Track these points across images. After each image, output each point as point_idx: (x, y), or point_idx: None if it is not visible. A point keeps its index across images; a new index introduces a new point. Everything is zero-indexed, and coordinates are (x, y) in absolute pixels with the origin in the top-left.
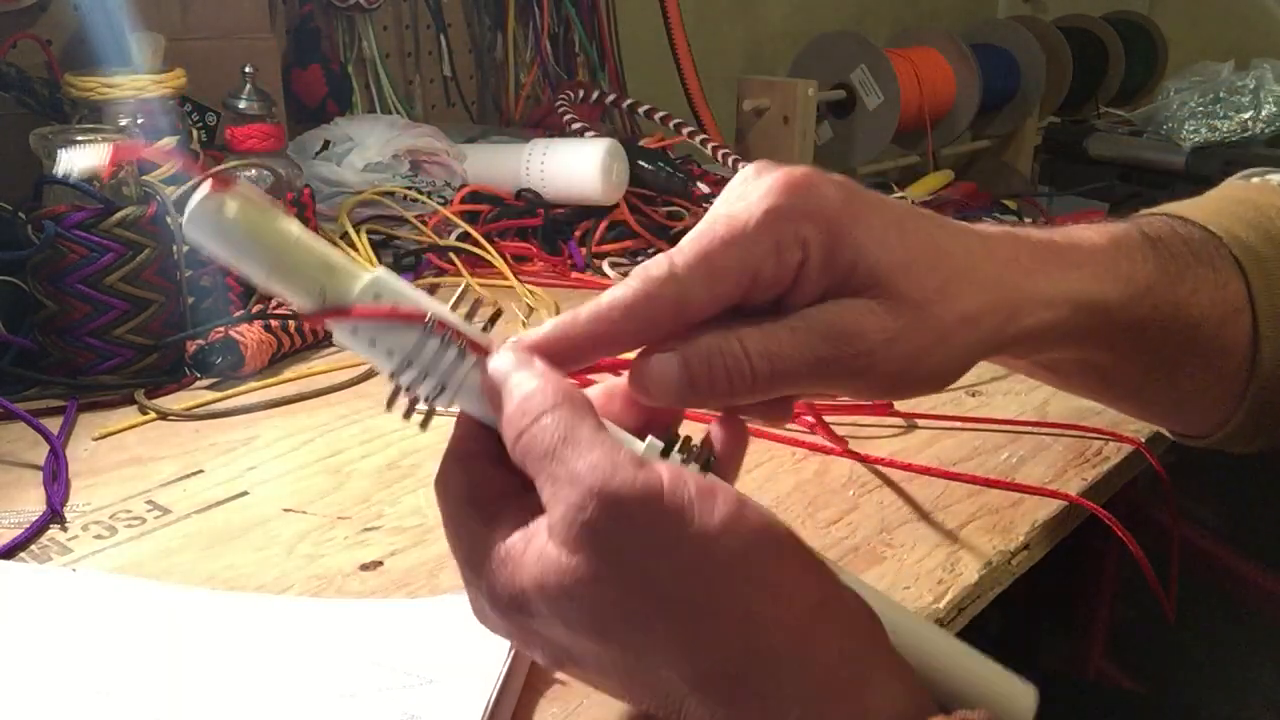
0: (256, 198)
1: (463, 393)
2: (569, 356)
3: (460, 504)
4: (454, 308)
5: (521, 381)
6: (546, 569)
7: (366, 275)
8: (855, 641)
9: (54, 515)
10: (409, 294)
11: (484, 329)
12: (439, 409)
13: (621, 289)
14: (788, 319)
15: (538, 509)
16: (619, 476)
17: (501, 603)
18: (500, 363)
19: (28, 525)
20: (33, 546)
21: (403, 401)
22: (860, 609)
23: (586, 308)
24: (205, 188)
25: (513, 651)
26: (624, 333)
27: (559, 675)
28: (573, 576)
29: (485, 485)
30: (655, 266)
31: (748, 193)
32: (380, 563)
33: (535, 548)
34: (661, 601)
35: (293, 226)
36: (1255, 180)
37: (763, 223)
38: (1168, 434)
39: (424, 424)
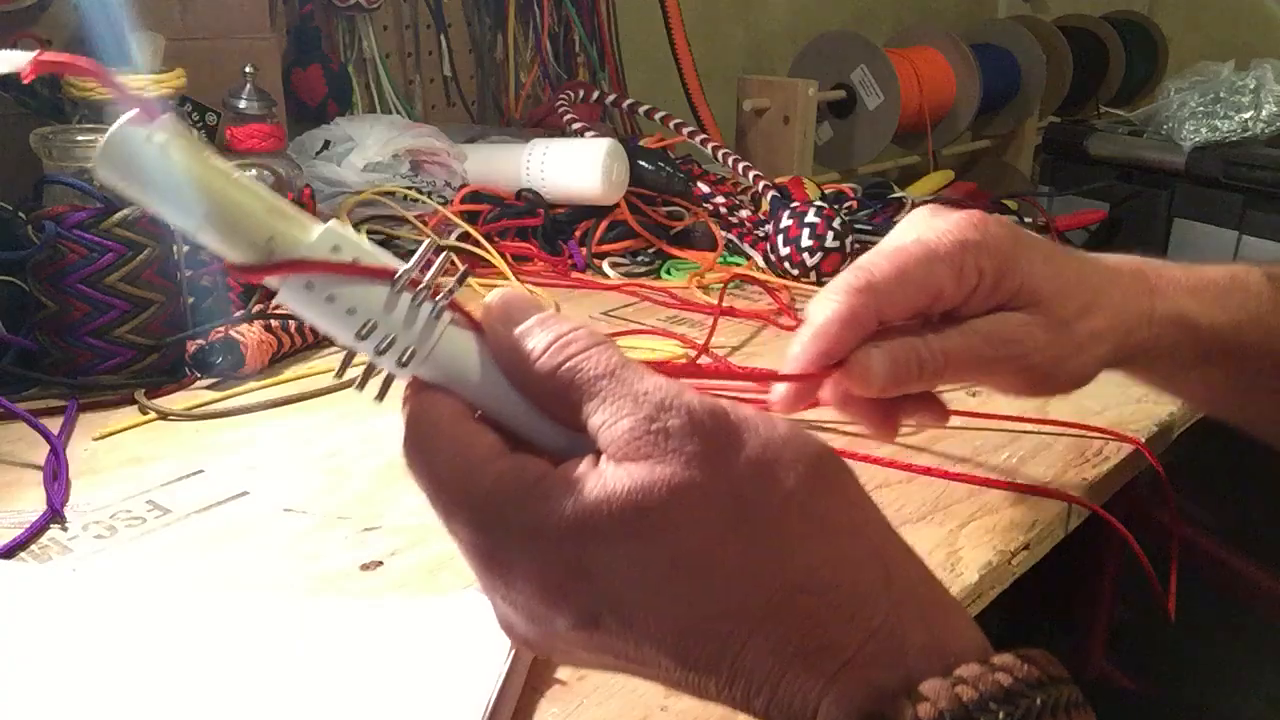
0: (186, 132)
1: (435, 356)
2: (820, 366)
3: (462, 459)
4: (419, 267)
5: (548, 320)
6: (615, 487)
7: (318, 225)
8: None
9: (54, 515)
10: (369, 248)
11: (450, 291)
12: (404, 373)
13: (832, 304)
14: (960, 326)
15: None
16: (688, 393)
17: (550, 544)
18: (512, 301)
19: (28, 525)
20: (33, 546)
21: (359, 368)
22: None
23: (808, 328)
24: (126, 118)
25: (513, 651)
26: (843, 341)
27: (560, 675)
28: (647, 487)
29: (481, 440)
30: (855, 278)
31: (935, 225)
32: (380, 563)
33: (596, 474)
34: (739, 508)
35: (228, 167)
36: None
37: (951, 251)
38: None
39: (381, 395)
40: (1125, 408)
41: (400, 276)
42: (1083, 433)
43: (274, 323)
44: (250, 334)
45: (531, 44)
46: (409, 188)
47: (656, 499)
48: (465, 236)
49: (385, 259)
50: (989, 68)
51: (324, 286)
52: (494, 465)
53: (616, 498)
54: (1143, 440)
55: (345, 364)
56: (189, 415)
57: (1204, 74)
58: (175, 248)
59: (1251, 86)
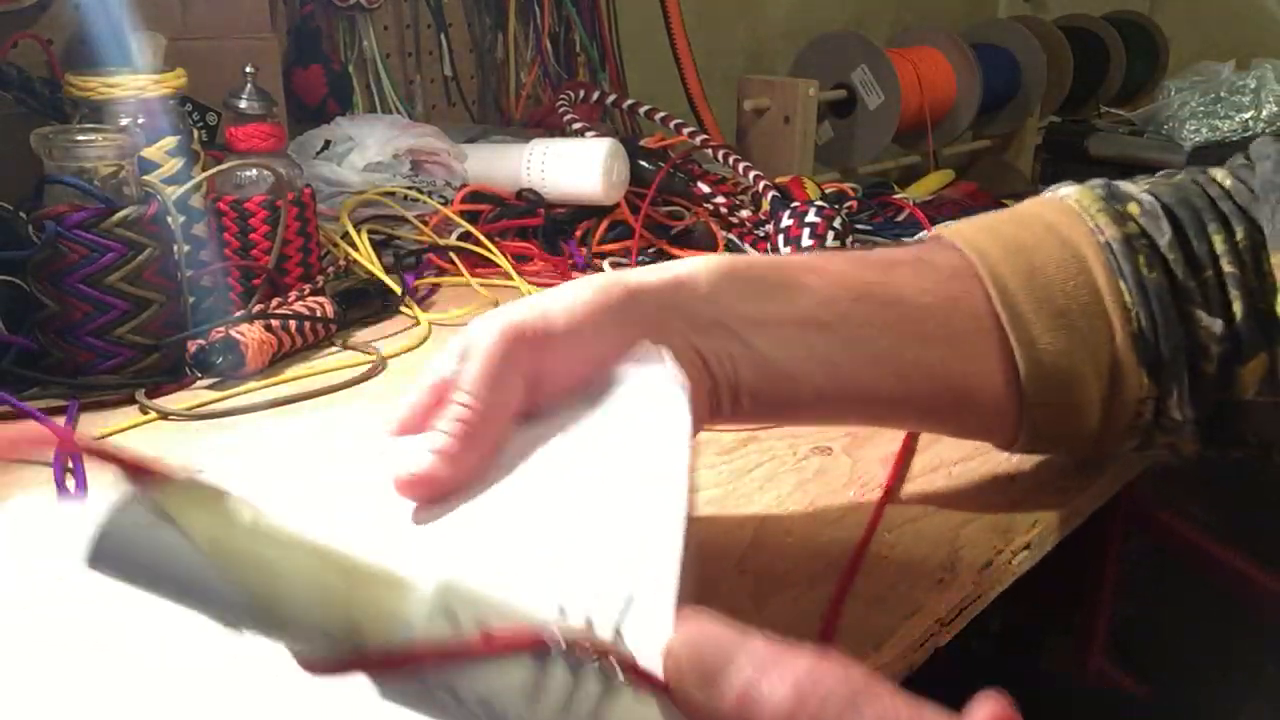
0: (201, 489)
1: None
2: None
3: None
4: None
5: (763, 668)
6: None
7: (420, 585)
8: None
9: None
10: (494, 601)
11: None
12: None
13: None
14: None
15: None
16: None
17: None
18: (703, 646)
19: None
20: None
21: None
22: None
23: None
24: (120, 500)
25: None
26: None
27: None
28: None
29: None
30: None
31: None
32: None
33: None
34: None
35: (275, 523)
36: (1047, 194)
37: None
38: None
39: None
40: None
41: (553, 647)
42: None
43: (274, 322)
44: (250, 334)
45: (532, 44)
46: (409, 188)
47: None
48: (466, 236)
49: (523, 616)
50: (989, 68)
51: (443, 678)
52: None
53: None
54: None
55: None
56: (189, 415)
57: (1204, 74)
58: (176, 247)
59: (1251, 86)
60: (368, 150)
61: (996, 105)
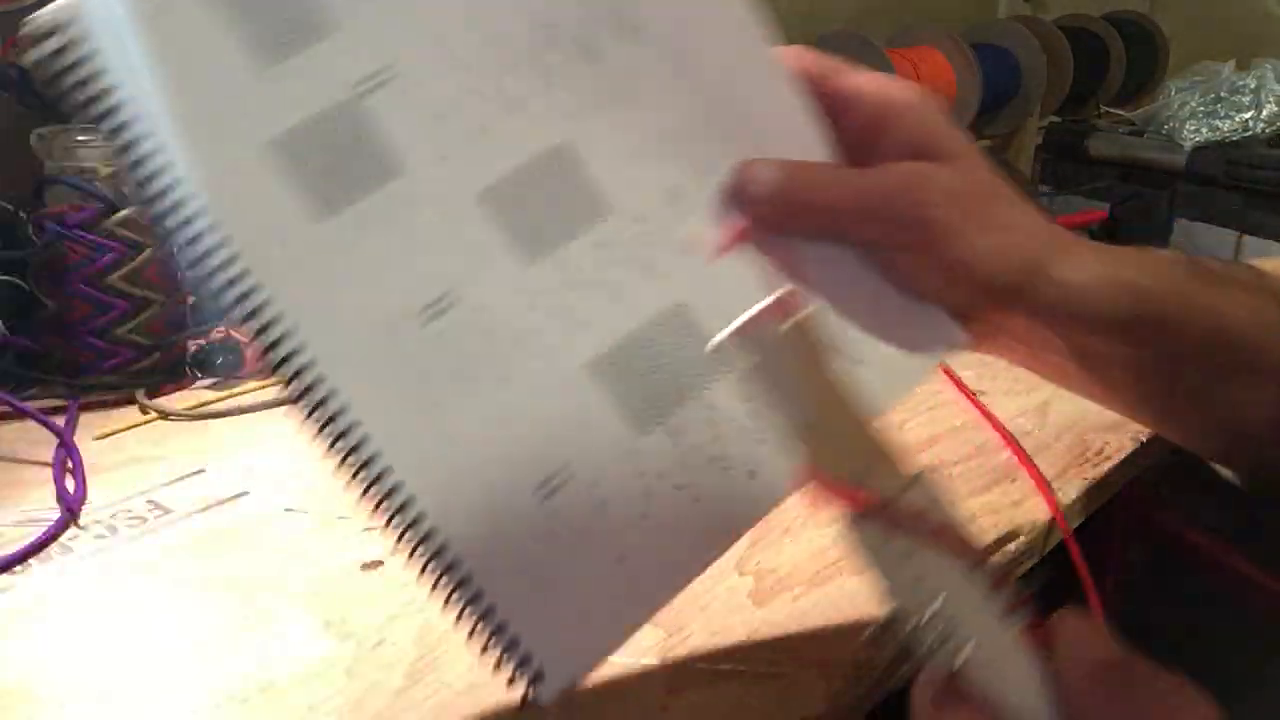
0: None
1: (990, 667)
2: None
3: None
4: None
5: None
6: None
7: (909, 471)
8: None
9: (72, 518)
10: (952, 513)
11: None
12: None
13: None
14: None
15: None
16: None
17: None
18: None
19: (38, 523)
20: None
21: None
22: None
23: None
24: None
25: None
26: None
27: None
28: None
29: None
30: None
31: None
32: (381, 562)
33: None
34: None
35: (837, 373)
36: None
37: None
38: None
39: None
40: None
41: (984, 562)
42: (1083, 433)
43: None
44: None
45: None
46: None
47: None
48: None
49: (968, 534)
50: (989, 68)
51: (904, 542)
52: None
53: None
54: (1144, 440)
55: (919, 634)
56: (189, 415)
57: (1204, 74)
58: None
59: (1252, 86)
60: None
61: (996, 105)
